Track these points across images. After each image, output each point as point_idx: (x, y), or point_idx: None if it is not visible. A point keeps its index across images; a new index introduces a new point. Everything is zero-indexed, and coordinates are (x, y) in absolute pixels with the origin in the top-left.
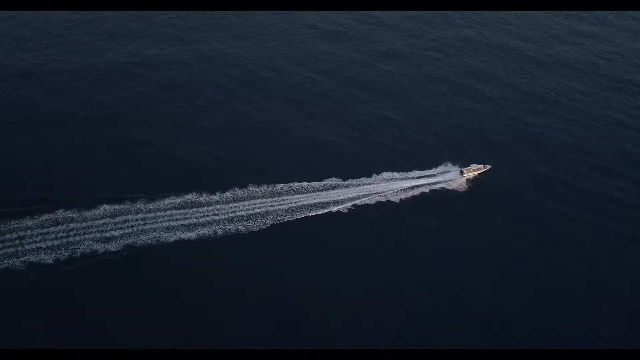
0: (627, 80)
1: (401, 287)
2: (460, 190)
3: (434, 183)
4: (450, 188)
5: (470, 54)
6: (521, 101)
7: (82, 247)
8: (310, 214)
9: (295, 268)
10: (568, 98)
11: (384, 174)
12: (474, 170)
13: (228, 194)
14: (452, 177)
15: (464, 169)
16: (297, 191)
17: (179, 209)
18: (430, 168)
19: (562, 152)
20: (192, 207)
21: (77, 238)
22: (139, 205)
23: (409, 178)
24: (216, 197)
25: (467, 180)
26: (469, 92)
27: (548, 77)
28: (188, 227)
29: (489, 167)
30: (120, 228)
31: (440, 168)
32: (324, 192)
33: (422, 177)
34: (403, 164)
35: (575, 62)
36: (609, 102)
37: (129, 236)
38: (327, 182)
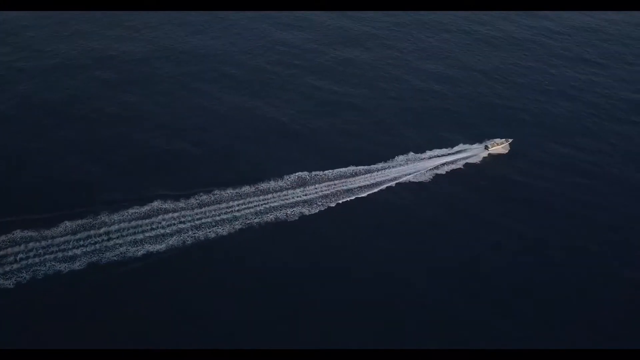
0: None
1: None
2: (490, 164)
3: (460, 159)
4: (479, 162)
5: (427, 38)
6: (485, 81)
7: (44, 268)
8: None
9: (278, 270)
10: (522, 75)
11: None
12: (497, 145)
13: (193, 200)
14: (477, 153)
15: (488, 144)
16: (265, 191)
17: (144, 218)
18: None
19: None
20: (158, 214)
21: (37, 259)
22: (102, 218)
23: (429, 158)
24: (181, 204)
25: (491, 154)
26: (431, 75)
27: (505, 56)
28: (156, 239)
29: (510, 140)
30: (83, 245)
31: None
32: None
33: (447, 155)
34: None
35: (528, 42)
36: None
37: (94, 254)
38: (305, 174)
